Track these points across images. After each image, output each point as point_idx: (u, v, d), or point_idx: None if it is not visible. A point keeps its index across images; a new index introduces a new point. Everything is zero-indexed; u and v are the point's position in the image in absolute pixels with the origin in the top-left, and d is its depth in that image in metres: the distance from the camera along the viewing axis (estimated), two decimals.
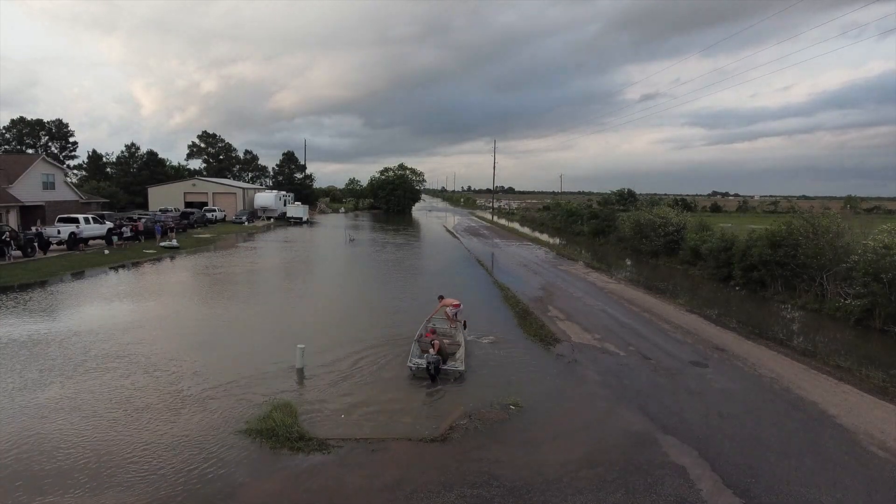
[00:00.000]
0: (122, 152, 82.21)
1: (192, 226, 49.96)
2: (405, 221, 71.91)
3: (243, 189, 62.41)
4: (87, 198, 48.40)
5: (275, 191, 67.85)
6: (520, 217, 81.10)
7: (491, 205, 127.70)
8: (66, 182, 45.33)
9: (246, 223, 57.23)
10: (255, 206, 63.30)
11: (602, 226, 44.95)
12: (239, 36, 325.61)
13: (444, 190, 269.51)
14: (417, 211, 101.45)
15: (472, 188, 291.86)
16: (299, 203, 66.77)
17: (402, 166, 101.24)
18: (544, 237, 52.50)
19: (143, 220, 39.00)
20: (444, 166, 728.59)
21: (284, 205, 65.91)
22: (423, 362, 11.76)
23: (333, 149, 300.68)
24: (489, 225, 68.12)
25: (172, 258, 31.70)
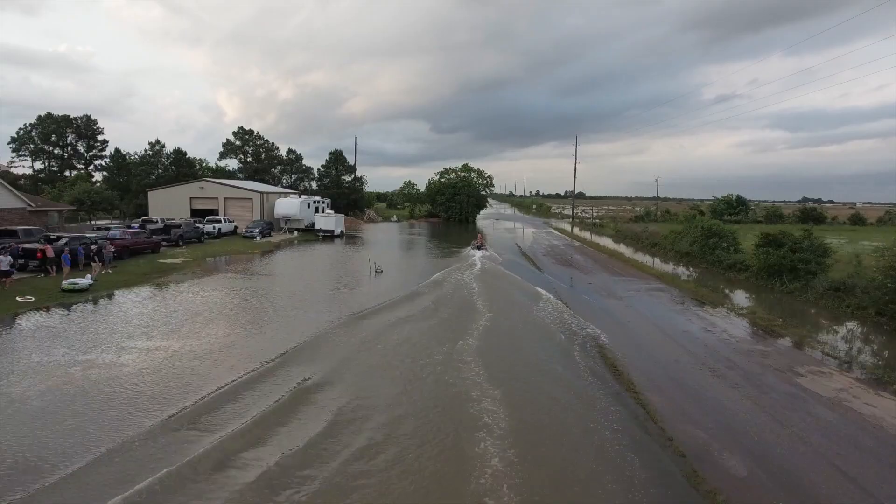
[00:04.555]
0: (146, 150, 72.35)
1: (176, 243, 36.82)
2: (466, 235, 56.44)
3: (261, 194, 49.22)
4: (39, 205, 36.35)
5: (300, 196, 54.17)
6: (613, 231, 63.15)
7: (570, 213, 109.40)
8: (2, 185, 33.34)
9: (258, 238, 43.71)
10: (276, 215, 49.89)
11: (791, 262, 26.76)
12: (312, 46, 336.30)
13: (511, 194, 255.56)
14: (483, 219, 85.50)
15: (541, 192, 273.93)
16: (332, 212, 52.82)
17: (466, 167, 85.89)
18: (667, 267, 34.90)
19: (64, 241, 25.63)
20: (511, 170, 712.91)
21: (316, 213, 52.13)
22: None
23: (401, 153, 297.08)
24: (577, 243, 50.96)
25: (47, 310, 17.71)
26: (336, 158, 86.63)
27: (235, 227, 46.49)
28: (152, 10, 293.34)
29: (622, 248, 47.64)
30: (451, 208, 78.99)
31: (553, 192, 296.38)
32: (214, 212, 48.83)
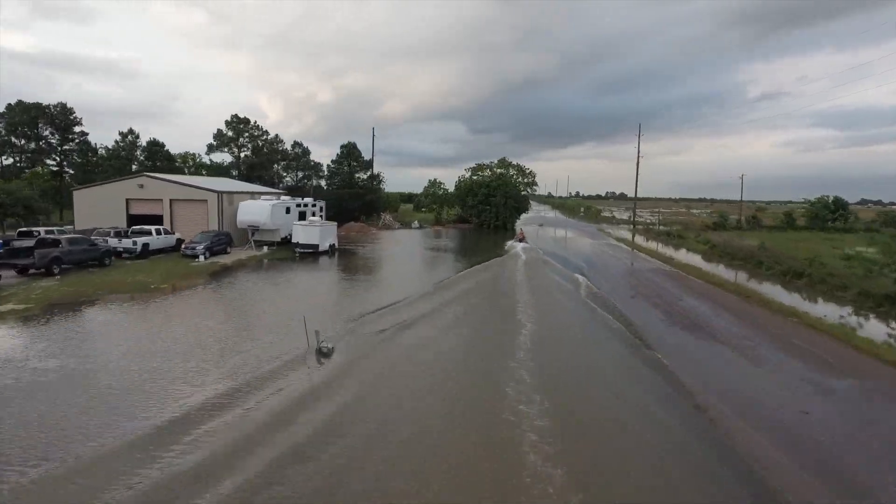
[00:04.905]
0: (117, 142, 60.41)
1: (48, 270, 23.43)
2: (500, 247, 41.48)
3: (220, 193, 35.53)
4: None
5: (279, 198, 40.05)
6: (701, 244, 46.72)
7: (627, 218, 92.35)
8: None
9: (201, 258, 30.09)
10: (240, 223, 36.20)
11: None
12: (349, 49, 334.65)
13: (550, 195, 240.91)
14: (525, 224, 70.07)
15: (580, 194, 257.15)
16: (317, 219, 38.78)
17: (503, 162, 70.65)
18: (880, 329, 18.97)
19: None
20: (549, 171, 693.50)
21: (301, 220, 38.19)
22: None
23: (437, 154, 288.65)
24: (662, 265, 35.18)
25: None
26: (348, 153, 73.02)
27: (179, 241, 33.00)
28: (196, 16, 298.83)
29: (735, 277, 31.68)
30: (485, 212, 63.92)
31: (593, 194, 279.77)
32: (158, 218, 35.58)
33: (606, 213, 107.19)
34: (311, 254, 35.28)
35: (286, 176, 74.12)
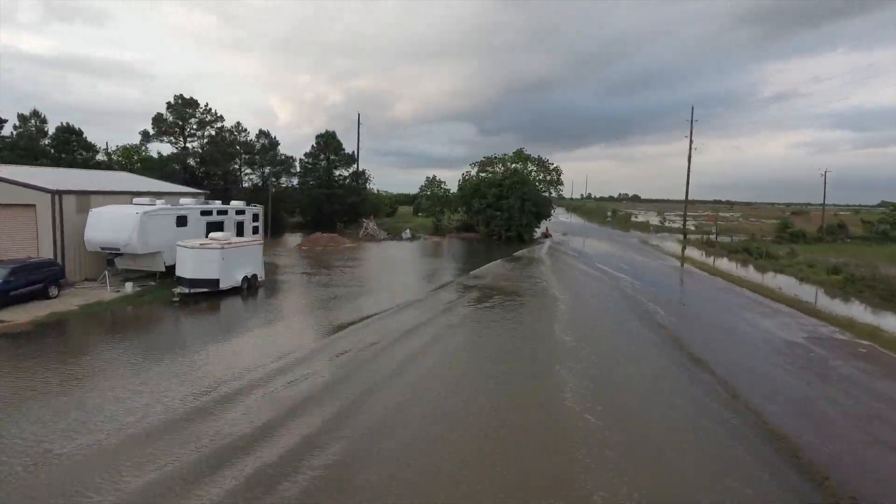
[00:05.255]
0: (17, 126, 46.50)
1: None
2: (517, 286, 26.92)
3: (55, 194, 21.24)
4: None
5: (161, 201, 24.92)
6: (830, 275, 31.60)
7: (657, 222, 76.64)
8: None
9: None
10: (89, 243, 21.83)
11: None
12: (358, 51, 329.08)
13: (562, 197, 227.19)
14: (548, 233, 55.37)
15: (593, 196, 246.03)
16: (225, 234, 24.09)
17: (520, 154, 55.77)
18: None
19: None
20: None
21: (208, 234, 23.68)
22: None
23: (447, 156, 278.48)
24: (831, 330, 20.39)
25: None
26: (326, 143, 58.66)
27: None
28: (208, 19, 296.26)
29: None
30: (495, 218, 49.18)
31: (606, 196, 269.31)
32: None
33: (637, 219, 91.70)
34: (204, 295, 20.86)
35: (251, 173, 59.88)
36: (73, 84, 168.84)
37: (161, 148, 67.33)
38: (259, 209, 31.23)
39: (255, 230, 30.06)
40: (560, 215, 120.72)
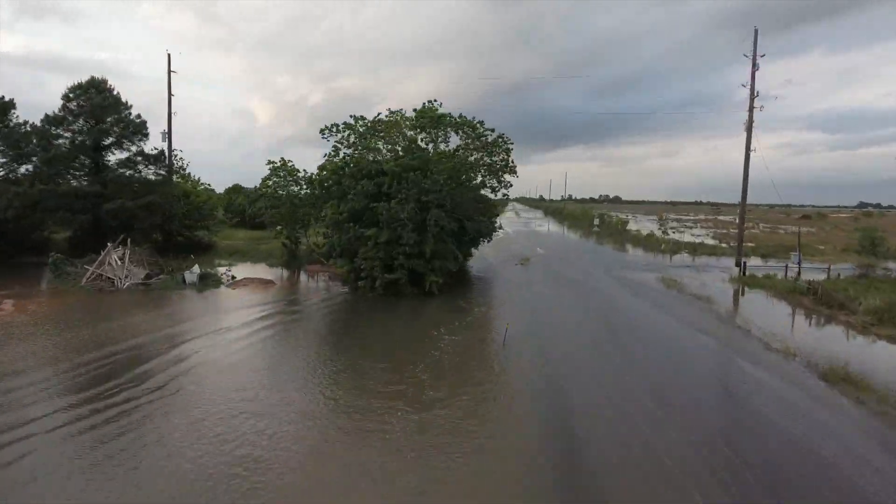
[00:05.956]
0: None
1: None
2: None
3: None
4: None
5: None
6: None
7: (658, 231, 50.40)
8: None
9: None
10: None
11: None
12: (342, 52, 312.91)
13: (542, 199, 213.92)
14: (496, 255, 29.80)
15: (573, 197, 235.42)
16: None
17: (429, 113, 29.19)
18: None
19: None
20: (540, 174, 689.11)
21: None
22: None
23: None
24: None
25: None
26: (89, 100, 32.05)
27: None
28: (186, 19, 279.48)
29: None
30: (366, 241, 23.06)
31: (587, 197, 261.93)
32: None
33: (632, 227, 65.97)
34: None
35: None
36: (45, 83, 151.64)
37: None
38: None
39: None
40: (535, 220, 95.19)
